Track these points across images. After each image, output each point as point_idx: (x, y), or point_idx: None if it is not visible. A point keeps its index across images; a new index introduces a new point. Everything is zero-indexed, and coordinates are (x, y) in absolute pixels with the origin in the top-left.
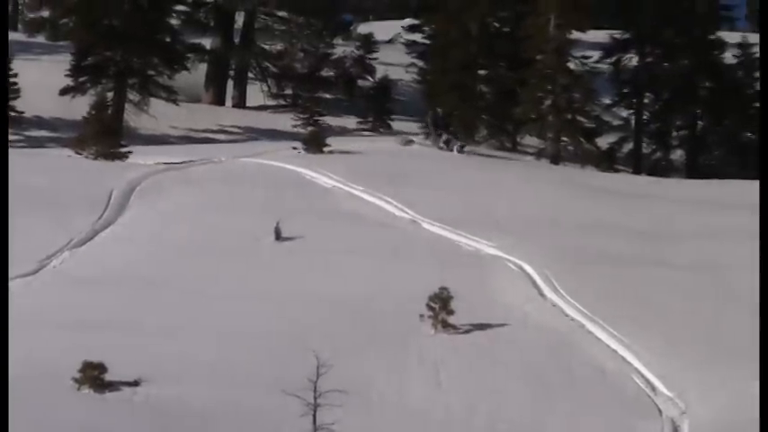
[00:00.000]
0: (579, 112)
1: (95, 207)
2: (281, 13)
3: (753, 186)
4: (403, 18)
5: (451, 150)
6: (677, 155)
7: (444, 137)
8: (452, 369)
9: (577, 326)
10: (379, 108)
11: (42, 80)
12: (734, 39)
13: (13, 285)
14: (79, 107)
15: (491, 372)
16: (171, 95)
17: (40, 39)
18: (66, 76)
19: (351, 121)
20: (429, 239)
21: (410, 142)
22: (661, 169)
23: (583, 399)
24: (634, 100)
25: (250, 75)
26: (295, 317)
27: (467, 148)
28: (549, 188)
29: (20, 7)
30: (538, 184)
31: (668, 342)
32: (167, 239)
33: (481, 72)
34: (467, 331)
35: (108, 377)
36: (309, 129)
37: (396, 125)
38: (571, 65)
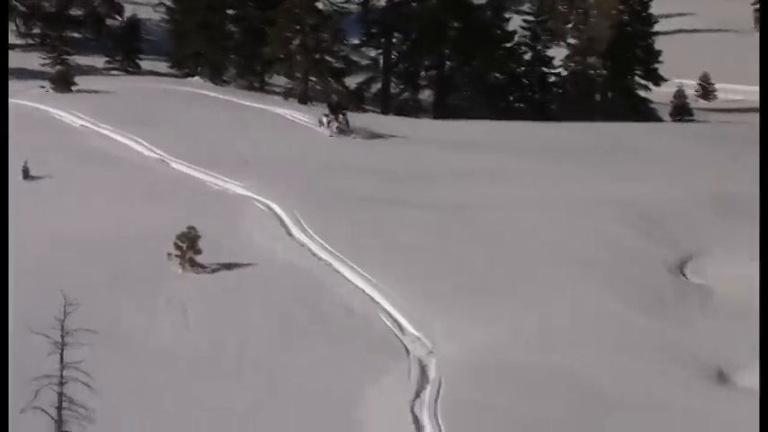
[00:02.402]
0: (327, 52)
1: None
2: None
3: (500, 126)
4: None
5: (330, 129)
6: (425, 95)
7: (325, 117)
8: (200, 308)
9: (325, 265)
10: (127, 47)
11: None
12: None
13: None
14: None
15: (239, 310)
16: None
17: None
18: None
19: (99, 61)
20: (178, 179)
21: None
22: (409, 109)
23: (331, 337)
24: (382, 40)
25: None
26: (42, 256)
27: (353, 128)
28: (298, 129)
29: None
30: (285, 125)
31: (416, 282)
32: None
33: (230, 12)
34: (215, 270)
35: None
36: (57, 68)
37: (144, 64)
38: (320, 5)
